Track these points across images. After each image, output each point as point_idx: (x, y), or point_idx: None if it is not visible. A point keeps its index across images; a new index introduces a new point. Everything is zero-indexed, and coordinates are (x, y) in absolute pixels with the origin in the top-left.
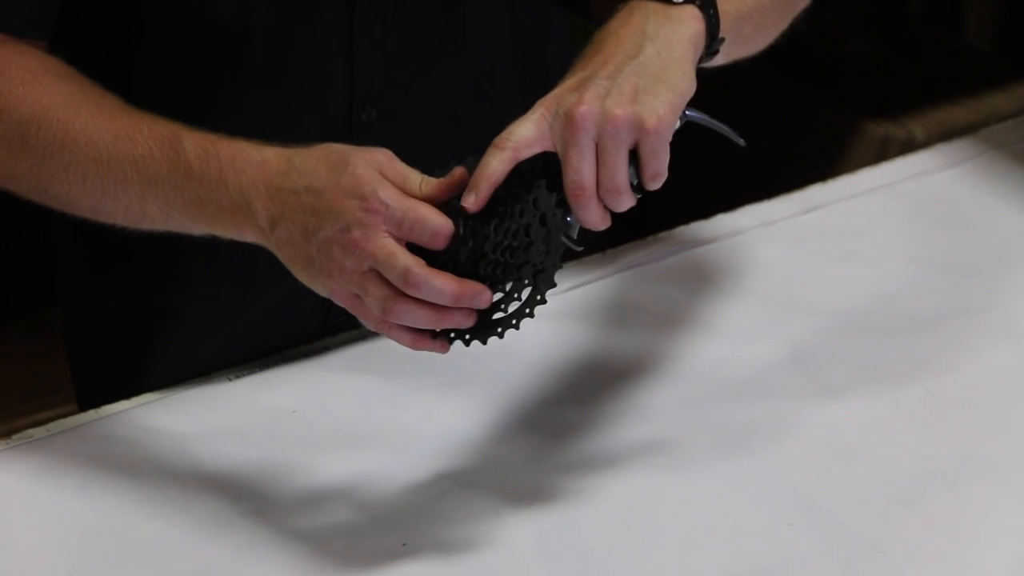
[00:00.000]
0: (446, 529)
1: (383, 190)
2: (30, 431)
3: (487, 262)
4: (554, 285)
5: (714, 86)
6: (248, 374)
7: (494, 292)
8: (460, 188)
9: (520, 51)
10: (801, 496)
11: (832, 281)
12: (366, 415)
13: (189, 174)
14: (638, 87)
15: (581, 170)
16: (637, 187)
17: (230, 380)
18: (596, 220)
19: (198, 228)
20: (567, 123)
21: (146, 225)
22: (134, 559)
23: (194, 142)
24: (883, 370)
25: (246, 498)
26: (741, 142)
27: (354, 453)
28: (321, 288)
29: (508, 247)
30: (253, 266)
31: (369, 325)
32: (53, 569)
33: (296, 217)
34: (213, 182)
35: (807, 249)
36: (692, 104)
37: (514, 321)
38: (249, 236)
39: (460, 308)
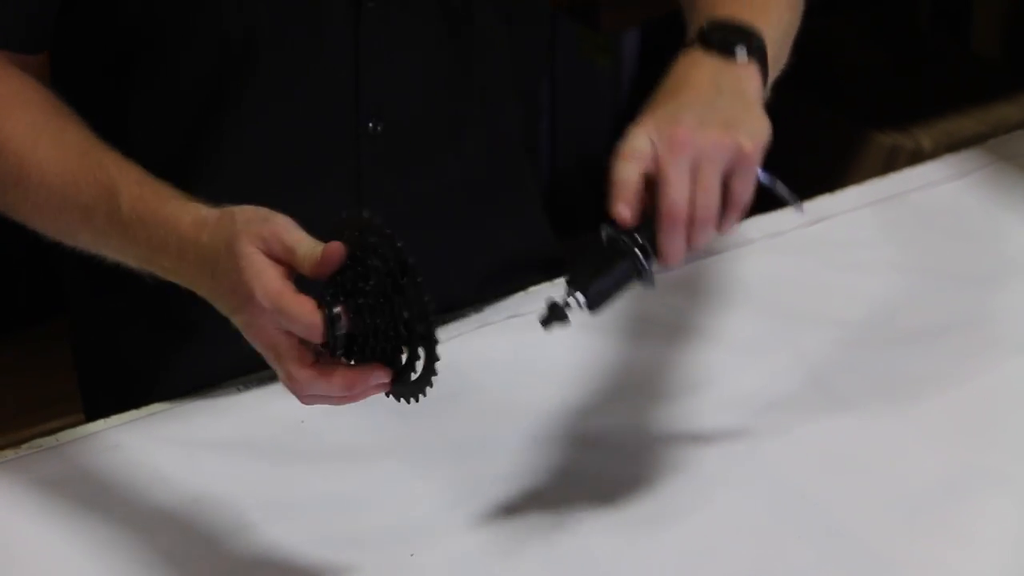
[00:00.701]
0: (453, 540)
1: (259, 287)
2: (39, 440)
3: (376, 339)
4: (436, 343)
5: None
6: (257, 385)
7: (405, 354)
8: (340, 261)
9: (517, 67)
10: (809, 507)
11: (840, 292)
12: (374, 425)
13: (125, 234)
14: (728, 119)
15: (682, 191)
16: None
17: (239, 391)
18: (678, 250)
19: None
20: (670, 144)
21: (110, 260)
22: (143, 569)
23: (128, 200)
24: (891, 381)
25: (254, 508)
26: (802, 209)
27: (362, 463)
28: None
29: (384, 326)
30: None
31: None
32: None
33: (214, 297)
34: (144, 246)
35: (815, 260)
36: None
37: (424, 384)
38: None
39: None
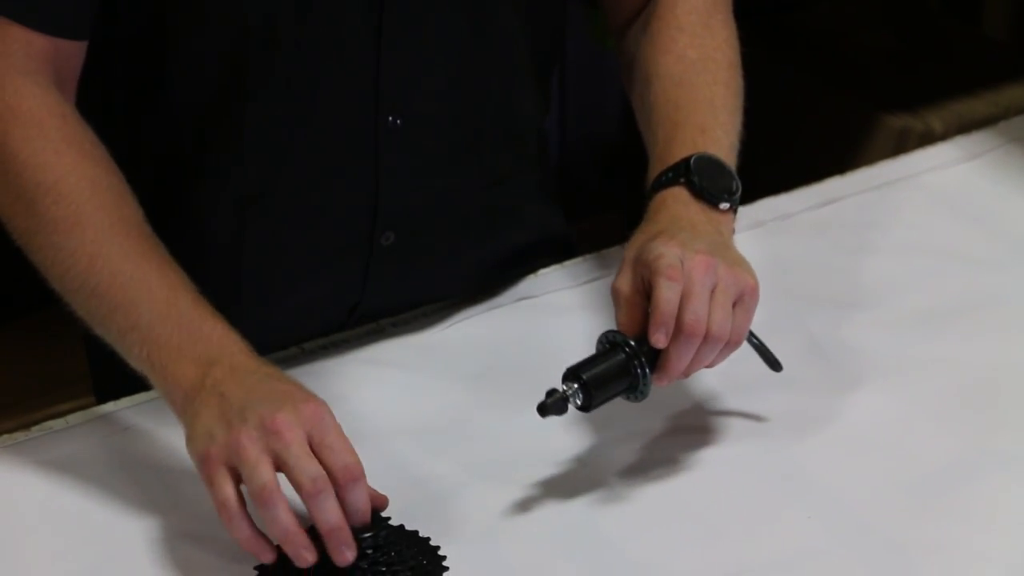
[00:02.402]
0: (464, 522)
1: (332, 420)
2: (49, 423)
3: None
4: None
5: None
6: None
7: None
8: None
9: (534, 58)
10: (819, 488)
11: (850, 274)
12: (385, 408)
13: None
14: (731, 258)
15: (704, 309)
16: None
17: None
18: (683, 364)
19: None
20: (696, 266)
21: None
22: (153, 549)
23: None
24: (901, 363)
25: None
26: (779, 368)
27: (373, 446)
28: (201, 439)
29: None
30: (277, 273)
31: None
32: (72, 559)
33: (243, 384)
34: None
35: (825, 242)
36: None
37: None
38: (186, 375)
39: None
